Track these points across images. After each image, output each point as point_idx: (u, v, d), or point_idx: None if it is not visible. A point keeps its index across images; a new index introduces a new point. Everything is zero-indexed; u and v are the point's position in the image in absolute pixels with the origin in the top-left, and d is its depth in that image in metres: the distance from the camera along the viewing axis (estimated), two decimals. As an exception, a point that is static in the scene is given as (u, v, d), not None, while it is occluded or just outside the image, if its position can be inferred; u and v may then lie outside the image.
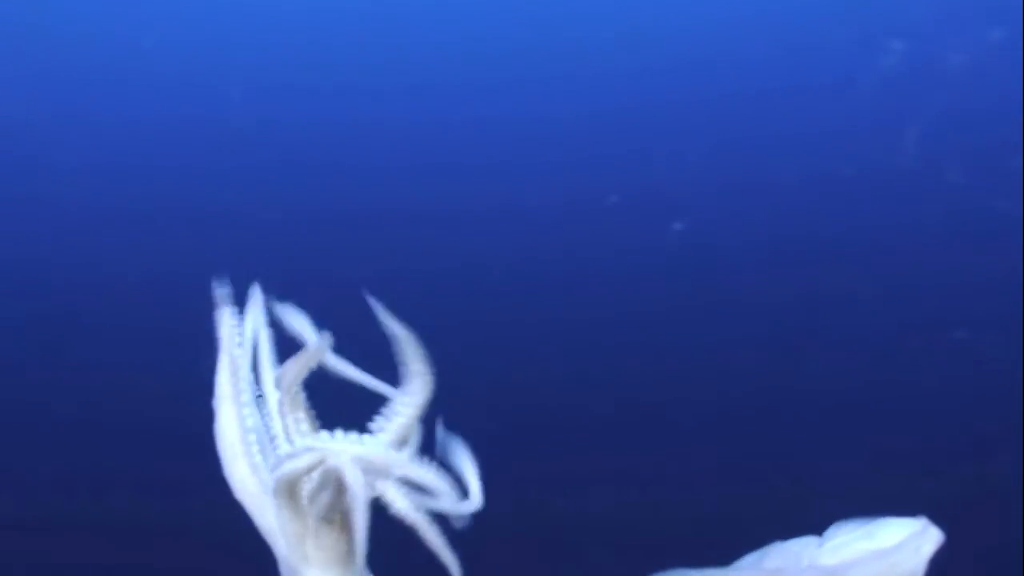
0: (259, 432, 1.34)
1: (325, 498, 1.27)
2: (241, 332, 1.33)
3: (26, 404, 5.60)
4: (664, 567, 1.45)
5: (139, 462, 5.42)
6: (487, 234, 6.48)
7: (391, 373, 1.30)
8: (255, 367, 1.37)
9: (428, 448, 1.30)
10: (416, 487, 1.26)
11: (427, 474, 1.25)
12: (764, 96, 6.70)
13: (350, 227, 6.20)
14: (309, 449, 1.24)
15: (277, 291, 1.37)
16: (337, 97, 6.54)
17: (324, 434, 1.28)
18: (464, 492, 1.27)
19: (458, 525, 1.24)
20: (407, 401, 1.27)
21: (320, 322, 1.32)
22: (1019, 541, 5.00)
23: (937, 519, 1.40)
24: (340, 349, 1.34)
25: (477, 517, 1.26)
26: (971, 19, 6.38)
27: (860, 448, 5.60)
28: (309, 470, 1.25)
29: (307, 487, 1.29)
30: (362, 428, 1.26)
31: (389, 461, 1.23)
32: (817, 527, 1.49)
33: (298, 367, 1.30)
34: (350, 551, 1.32)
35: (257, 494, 1.31)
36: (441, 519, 1.27)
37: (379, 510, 1.34)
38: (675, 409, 5.81)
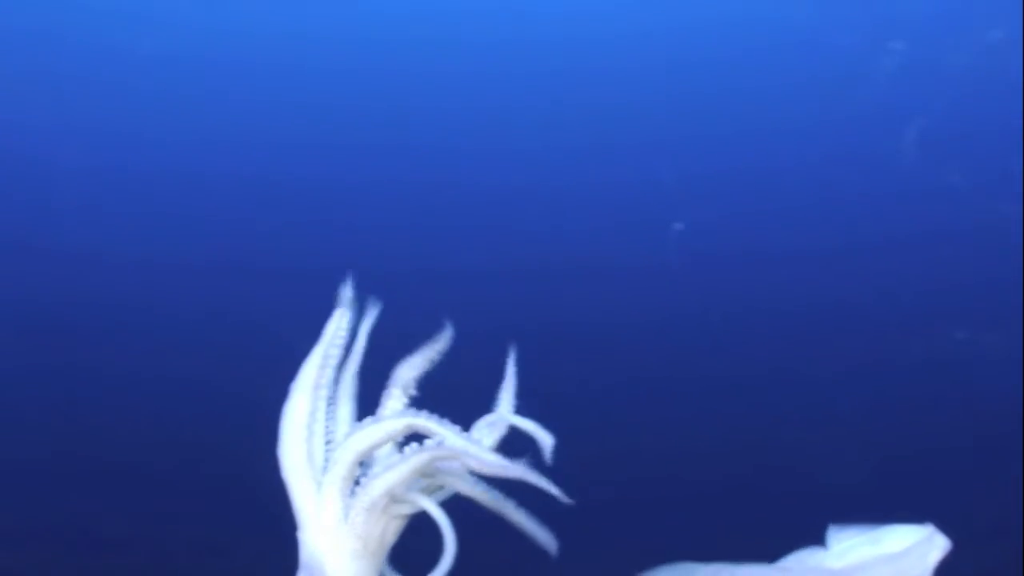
0: (323, 425, 1.40)
1: (387, 481, 1.31)
2: (345, 334, 1.40)
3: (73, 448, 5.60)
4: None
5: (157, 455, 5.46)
6: (490, 228, 6.51)
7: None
8: (340, 371, 1.44)
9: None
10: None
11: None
12: (765, 98, 6.71)
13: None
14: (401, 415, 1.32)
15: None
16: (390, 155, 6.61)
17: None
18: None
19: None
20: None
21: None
22: (1020, 541, 5.00)
23: (937, 519, 1.41)
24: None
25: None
26: (971, 19, 6.39)
27: (860, 448, 5.61)
28: (394, 436, 1.32)
29: (358, 473, 1.34)
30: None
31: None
32: (820, 530, 1.49)
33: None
34: (377, 547, 1.35)
35: (305, 477, 1.35)
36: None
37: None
38: (674, 409, 5.81)
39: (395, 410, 1.38)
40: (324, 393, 1.40)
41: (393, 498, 1.33)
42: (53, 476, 5.40)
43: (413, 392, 1.41)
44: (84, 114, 6.71)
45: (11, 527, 5.04)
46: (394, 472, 1.31)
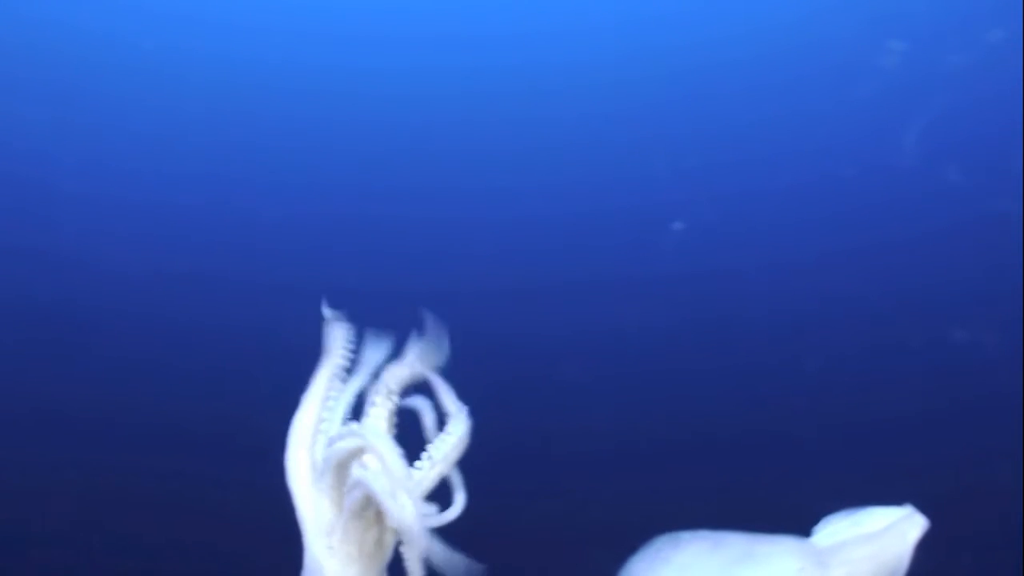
0: (328, 437, 1.44)
1: (362, 490, 1.35)
2: (350, 347, 1.45)
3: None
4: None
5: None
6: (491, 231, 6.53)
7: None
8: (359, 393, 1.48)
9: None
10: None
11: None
12: (764, 96, 6.72)
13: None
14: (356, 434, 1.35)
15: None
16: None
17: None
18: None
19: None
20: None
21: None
22: (1019, 540, 5.01)
23: (938, 518, 1.42)
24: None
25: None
26: (971, 19, 6.39)
27: (860, 447, 5.61)
28: (355, 453, 1.36)
29: (349, 478, 1.38)
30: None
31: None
32: (813, 526, 1.51)
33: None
34: (373, 551, 1.39)
35: (306, 483, 1.40)
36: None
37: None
38: (671, 403, 5.83)
39: (376, 418, 1.42)
40: (331, 405, 1.44)
41: (377, 506, 1.36)
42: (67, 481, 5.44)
43: (396, 397, 1.45)
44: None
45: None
46: (365, 480, 1.35)
